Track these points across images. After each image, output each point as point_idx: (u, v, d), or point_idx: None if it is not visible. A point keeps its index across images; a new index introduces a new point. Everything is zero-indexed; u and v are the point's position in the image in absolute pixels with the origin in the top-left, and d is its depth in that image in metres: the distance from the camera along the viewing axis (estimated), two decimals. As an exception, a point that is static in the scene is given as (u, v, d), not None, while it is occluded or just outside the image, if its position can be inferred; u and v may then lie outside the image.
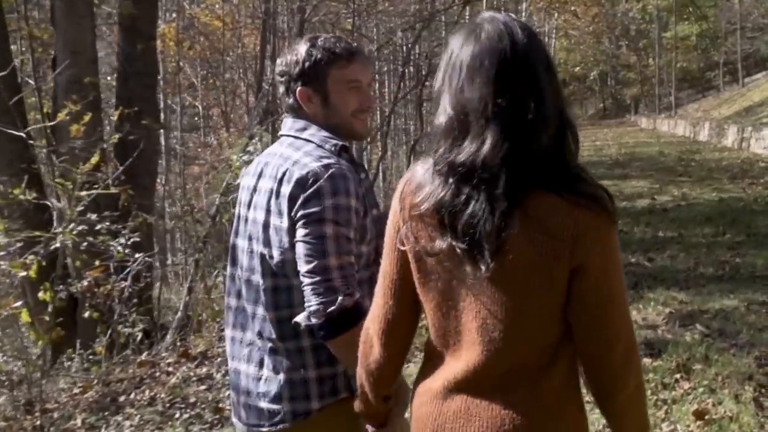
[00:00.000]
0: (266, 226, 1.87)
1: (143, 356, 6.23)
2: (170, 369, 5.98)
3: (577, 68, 46.27)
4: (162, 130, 12.53)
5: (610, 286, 1.38)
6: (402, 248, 1.45)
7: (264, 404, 1.91)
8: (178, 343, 6.90)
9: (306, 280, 1.76)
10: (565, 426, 1.43)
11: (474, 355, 1.40)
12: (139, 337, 6.29)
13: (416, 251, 1.42)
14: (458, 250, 1.35)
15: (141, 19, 8.98)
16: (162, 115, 17.15)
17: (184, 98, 18.78)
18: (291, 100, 1.96)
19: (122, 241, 6.25)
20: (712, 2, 35.03)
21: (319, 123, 1.95)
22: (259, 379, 1.91)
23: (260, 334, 1.90)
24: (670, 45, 36.53)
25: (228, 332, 2.01)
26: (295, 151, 1.89)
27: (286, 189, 1.82)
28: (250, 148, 6.01)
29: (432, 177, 1.39)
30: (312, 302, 1.75)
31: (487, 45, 1.34)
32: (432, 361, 1.51)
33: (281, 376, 1.88)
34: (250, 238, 1.92)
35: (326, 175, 1.79)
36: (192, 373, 5.75)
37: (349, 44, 1.98)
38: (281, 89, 2.00)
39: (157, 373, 5.89)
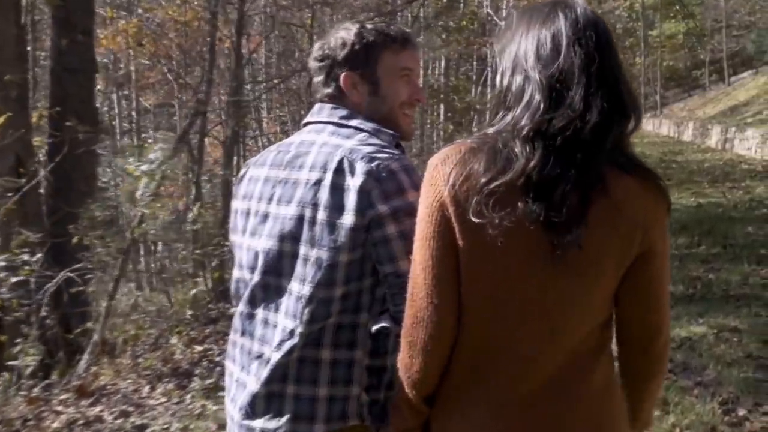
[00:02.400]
0: (312, 222, 1.63)
1: (36, 390, 5.51)
2: (60, 408, 5.24)
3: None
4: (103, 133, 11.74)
5: (666, 274, 1.40)
6: (452, 234, 1.33)
7: (260, 423, 1.70)
8: (89, 371, 6.17)
9: (407, 279, 1.54)
10: (614, 410, 1.42)
11: (532, 346, 1.35)
12: (31, 368, 5.60)
13: (473, 232, 1.30)
14: (539, 226, 1.27)
15: (75, 12, 8.36)
16: (128, 118, 16.74)
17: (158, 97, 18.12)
18: (331, 89, 1.79)
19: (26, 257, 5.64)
20: (698, 0, 34.64)
21: (364, 114, 1.77)
22: (265, 395, 1.69)
23: (273, 344, 1.68)
24: (656, 43, 36.15)
25: (237, 339, 1.79)
26: (346, 139, 1.69)
27: (353, 181, 1.60)
28: (153, 155, 5.29)
29: (498, 148, 1.30)
30: None
31: (585, 16, 1.33)
32: (455, 392, 1.42)
33: (290, 389, 1.67)
34: (280, 237, 1.67)
35: (401, 168, 1.62)
36: (80, 415, 5.00)
37: (401, 29, 1.86)
38: (319, 77, 1.81)
39: (46, 413, 5.15)
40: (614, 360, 1.46)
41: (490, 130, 1.35)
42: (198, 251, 7.57)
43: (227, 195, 9.11)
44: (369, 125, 1.75)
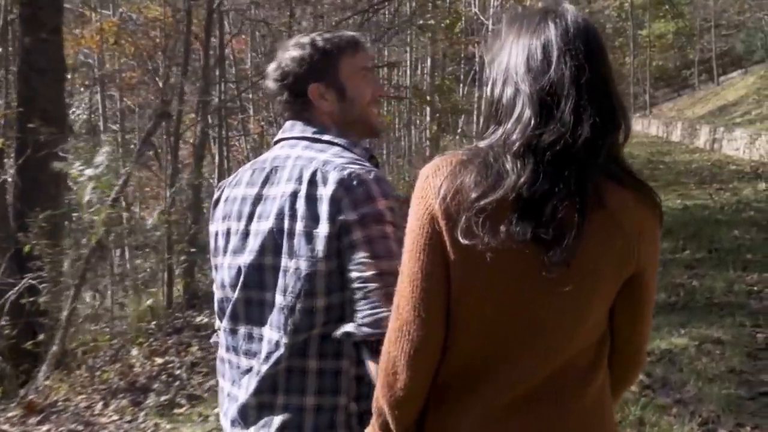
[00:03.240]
0: (290, 234, 1.66)
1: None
2: (6, 427, 4.96)
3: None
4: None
5: (655, 284, 1.42)
6: (441, 248, 1.30)
7: None
8: (43, 385, 5.89)
9: (372, 284, 1.58)
10: (606, 425, 1.41)
11: (526, 363, 1.32)
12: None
13: (463, 247, 1.27)
14: (530, 243, 1.24)
15: (44, 9, 8.09)
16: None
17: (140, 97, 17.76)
18: (299, 104, 1.82)
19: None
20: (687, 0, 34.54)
21: (336, 121, 1.82)
22: (256, 405, 1.70)
23: (260, 358, 1.69)
24: (646, 43, 36.02)
25: (224, 355, 1.80)
26: (319, 152, 1.73)
27: (325, 191, 1.63)
28: (99, 159, 5.00)
29: (489, 162, 1.27)
30: (382, 309, 1.55)
31: (576, 25, 1.31)
32: (448, 400, 1.38)
33: (280, 400, 1.69)
34: (260, 252, 1.70)
35: (371, 178, 1.65)
36: (25, 435, 4.72)
37: (349, 33, 1.92)
38: (283, 95, 1.83)
39: (-9, 433, 4.86)
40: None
41: (482, 144, 1.33)
42: (164, 258, 7.28)
43: (198, 201, 8.85)
44: (344, 139, 1.78)
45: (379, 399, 1.42)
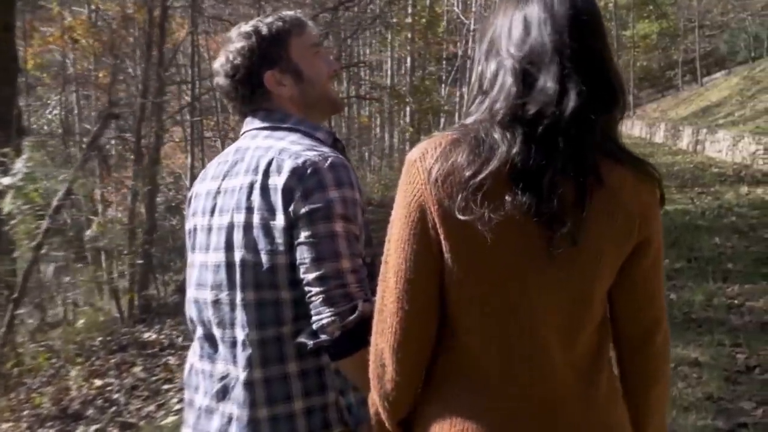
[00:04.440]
0: (248, 227, 1.58)
1: None
2: None
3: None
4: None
5: (661, 267, 1.35)
6: (431, 233, 1.24)
7: None
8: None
9: (314, 288, 1.52)
10: (621, 415, 1.36)
11: (535, 349, 1.27)
12: None
13: (460, 231, 1.21)
14: (531, 220, 1.19)
15: (-6, 5, 7.66)
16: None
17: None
18: (257, 96, 1.73)
19: None
20: (671, 0, 34.38)
21: (298, 105, 1.75)
22: (238, 419, 1.60)
23: (235, 362, 1.60)
24: (630, 44, 35.85)
25: (196, 364, 1.71)
26: (278, 140, 1.66)
27: (278, 180, 1.56)
28: (18, 166, 4.56)
29: (480, 137, 1.22)
30: (324, 314, 1.51)
31: None
32: (457, 397, 1.31)
33: (263, 413, 1.58)
34: (225, 248, 1.62)
35: (326, 165, 1.57)
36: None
37: (289, 14, 1.81)
38: (240, 91, 1.73)
39: None
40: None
41: (469, 120, 1.28)
42: (111, 269, 6.83)
43: (152, 209, 8.41)
44: (306, 123, 1.73)
45: (372, 392, 1.39)
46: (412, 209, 1.26)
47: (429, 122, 22.74)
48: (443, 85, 24.65)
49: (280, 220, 1.56)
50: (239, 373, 1.61)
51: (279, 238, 1.56)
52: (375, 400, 1.40)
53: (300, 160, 1.57)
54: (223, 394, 1.64)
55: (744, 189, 11.65)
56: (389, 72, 20.65)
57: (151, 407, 5.11)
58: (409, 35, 16.95)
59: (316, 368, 1.62)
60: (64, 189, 6.06)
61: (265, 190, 1.58)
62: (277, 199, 1.56)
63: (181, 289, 8.51)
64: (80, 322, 6.20)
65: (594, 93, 1.21)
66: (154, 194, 7.87)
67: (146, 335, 6.73)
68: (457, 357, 1.32)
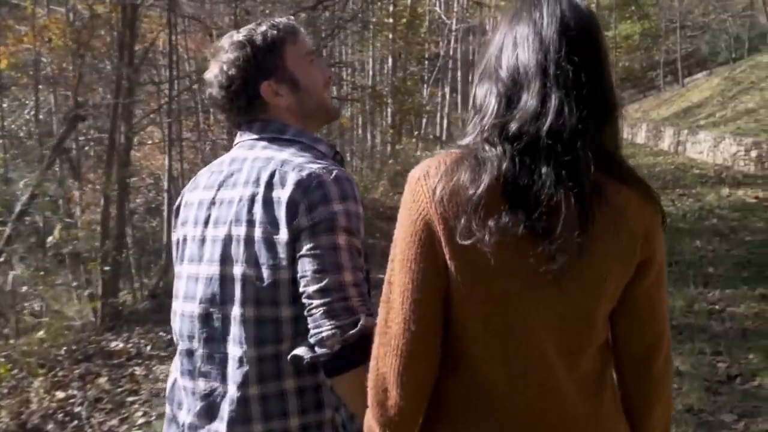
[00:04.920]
0: (249, 240, 1.55)
1: None
2: None
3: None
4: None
5: (663, 286, 1.35)
6: (441, 251, 1.23)
7: None
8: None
9: (315, 301, 1.48)
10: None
11: (539, 370, 1.26)
12: None
13: (464, 252, 1.21)
14: (528, 239, 1.19)
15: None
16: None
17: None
18: (254, 107, 1.69)
19: None
20: (653, 0, 34.45)
21: (295, 115, 1.72)
22: None
23: (224, 379, 1.57)
24: (612, 44, 35.91)
25: (179, 379, 1.66)
26: (278, 152, 1.63)
27: (282, 193, 1.53)
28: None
29: (479, 156, 1.22)
30: (324, 326, 1.47)
31: (552, 12, 1.26)
32: (454, 407, 1.30)
33: (258, 428, 1.56)
34: (220, 261, 1.58)
35: (331, 178, 1.55)
36: None
37: (283, 21, 1.76)
38: (235, 103, 1.69)
39: None
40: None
41: (466, 140, 1.28)
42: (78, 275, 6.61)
43: (122, 213, 8.19)
44: (307, 135, 1.70)
45: (370, 419, 1.34)
46: (417, 228, 1.24)
47: (411, 123, 22.61)
48: (425, 86, 24.54)
49: (283, 234, 1.52)
50: (230, 390, 1.57)
51: (282, 253, 1.52)
52: (373, 428, 1.34)
53: (304, 173, 1.54)
54: (209, 412, 1.60)
55: (725, 191, 11.59)
56: (371, 72, 20.50)
57: (114, 421, 4.92)
58: (390, 35, 16.80)
59: (313, 385, 1.59)
60: (28, 193, 5.83)
61: (268, 203, 1.54)
62: (281, 213, 1.53)
63: (153, 295, 8.31)
64: (40, 333, 5.97)
65: (582, 109, 1.20)
66: (124, 198, 7.66)
67: (113, 344, 6.52)
68: (462, 378, 1.30)
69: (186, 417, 1.64)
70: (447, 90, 24.96)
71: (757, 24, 24.88)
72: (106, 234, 7.88)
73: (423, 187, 1.24)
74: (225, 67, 1.67)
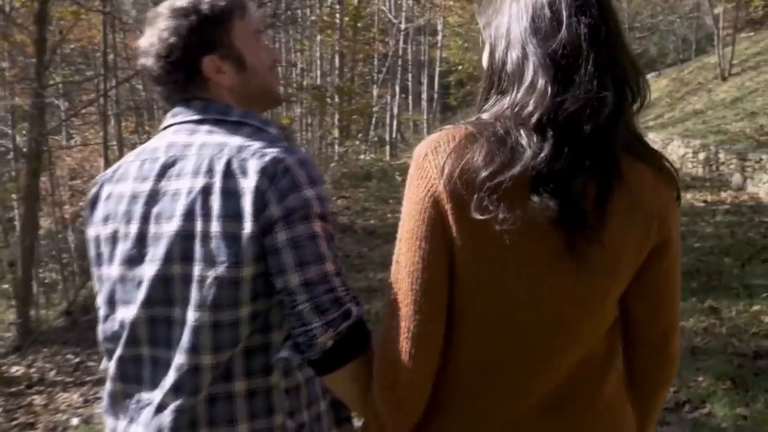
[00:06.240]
0: (205, 237, 1.41)
1: None
2: None
3: (474, 68, 45.46)
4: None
5: (678, 269, 1.31)
6: (450, 232, 1.19)
7: None
8: None
9: (300, 296, 1.38)
10: (626, 424, 1.35)
11: (546, 356, 1.24)
12: None
13: (475, 230, 1.17)
14: (551, 223, 1.15)
15: None
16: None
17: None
18: (193, 83, 1.55)
19: None
20: (602, 2, 34.76)
21: (237, 96, 1.58)
22: None
23: (177, 388, 1.44)
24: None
25: (118, 388, 1.54)
26: (229, 136, 1.49)
27: (245, 183, 1.41)
28: None
29: (500, 136, 1.16)
30: (314, 323, 1.37)
31: None
32: (460, 404, 1.29)
33: None
34: (166, 260, 1.44)
35: (295, 161, 1.44)
36: None
37: None
38: (170, 76, 1.54)
39: None
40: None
41: (485, 116, 1.21)
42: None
43: (34, 220, 7.57)
44: (256, 117, 1.57)
45: (378, 404, 1.29)
46: (426, 205, 1.20)
47: (361, 122, 22.18)
48: (375, 86, 24.16)
49: (248, 228, 1.40)
50: (176, 397, 1.45)
51: (244, 249, 1.40)
52: (381, 413, 1.30)
53: (267, 159, 1.43)
54: (152, 421, 1.48)
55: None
56: (319, 72, 20.04)
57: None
58: (336, 35, 16.38)
59: (265, 389, 1.49)
60: None
61: (227, 194, 1.41)
62: (246, 204, 1.40)
63: (69, 312, 7.73)
64: None
65: (623, 85, 1.17)
66: (34, 208, 7.04)
67: (15, 369, 5.93)
68: (464, 359, 1.27)
69: (128, 427, 1.53)
70: (397, 90, 24.63)
71: (704, 25, 25.10)
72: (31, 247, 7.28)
73: (431, 162, 1.19)
74: (164, 35, 1.52)
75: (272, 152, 1.44)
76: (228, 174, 1.43)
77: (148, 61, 1.56)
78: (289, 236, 1.39)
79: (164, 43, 1.52)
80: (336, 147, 18.00)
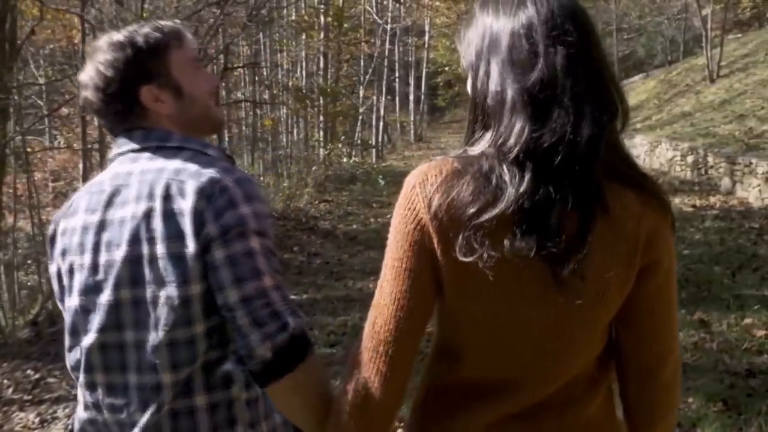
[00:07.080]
0: (152, 260, 1.46)
1: None
2: None
3: (461, 69, 45.43)
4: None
5: (672, 290, 1.31)
6: (435, 264, 1.22)
7: None
8: None
9: (239, 312, 1.42)
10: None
11: (528, 383, 1.27)
12: None
13: (461, 268, 1.18)
14: (535, 257, 1.15)
15: None
16: None
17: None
18: (132, 114, 1.60)
19: None
20: (589, 3, 34.57)
21: (177, 123, 1.63)
22: None
23: (136, 407, 1.50)
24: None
25: (84, 415, 1.58)
26: (168, 161, 1.54)
27: (184, 204, 1.45)
28: None
29: (485, 172, 1.17)
30: (252, 336, 1.41)
31: (560, 4, 1.19)
32: (442, 403, 1.33)
33: None
34: (116, 286, 1.49)
35: (233, 180, 1.48)
36: None
37: (167, 23, 1.67)
38: (109, 107, 1.59)
39: None
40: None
41: (471, 150, 1.21)
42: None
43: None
44: (196, 142, 1.62)
45: (346, 423, 1.30)
46: (413, 237, 1.22)
47: (346, 124, 21.92)
48: (361, 87, 23.91)
49: (191, 247, 1.43)
50: (141, 417, 1.49)
51: (192, 267, 1.44)
52: (346, 430, 1.30)
53: (204, 179, 1.46)
54: None
55: (661, 198, 11.20)
56: (304, 73, 19.79)
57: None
58: (321, 36, 16.13)
59: (226, 401, 1.53)
60: None
61: (168, 216, 1.45)
62: (186, 225, 1.44)
63: (35, 322, 7.45)
64: None
65: (602, 111, 1.15)
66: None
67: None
68: (456, 377, 1.30)
69: None
70: (384, 91, 24.40)
71: (692, 27, 24.99)
72: None
73: (419, 195, 1.21)
74: (102, 68, 1.58)
75: (209, 173, 1.48)
76: (167, 197, 1.47)
77: (88, 94, 1.61)
78: (225, 254, 1.43)
79: (101, 76, 1.58)
80: (320, 149, 17.75)
